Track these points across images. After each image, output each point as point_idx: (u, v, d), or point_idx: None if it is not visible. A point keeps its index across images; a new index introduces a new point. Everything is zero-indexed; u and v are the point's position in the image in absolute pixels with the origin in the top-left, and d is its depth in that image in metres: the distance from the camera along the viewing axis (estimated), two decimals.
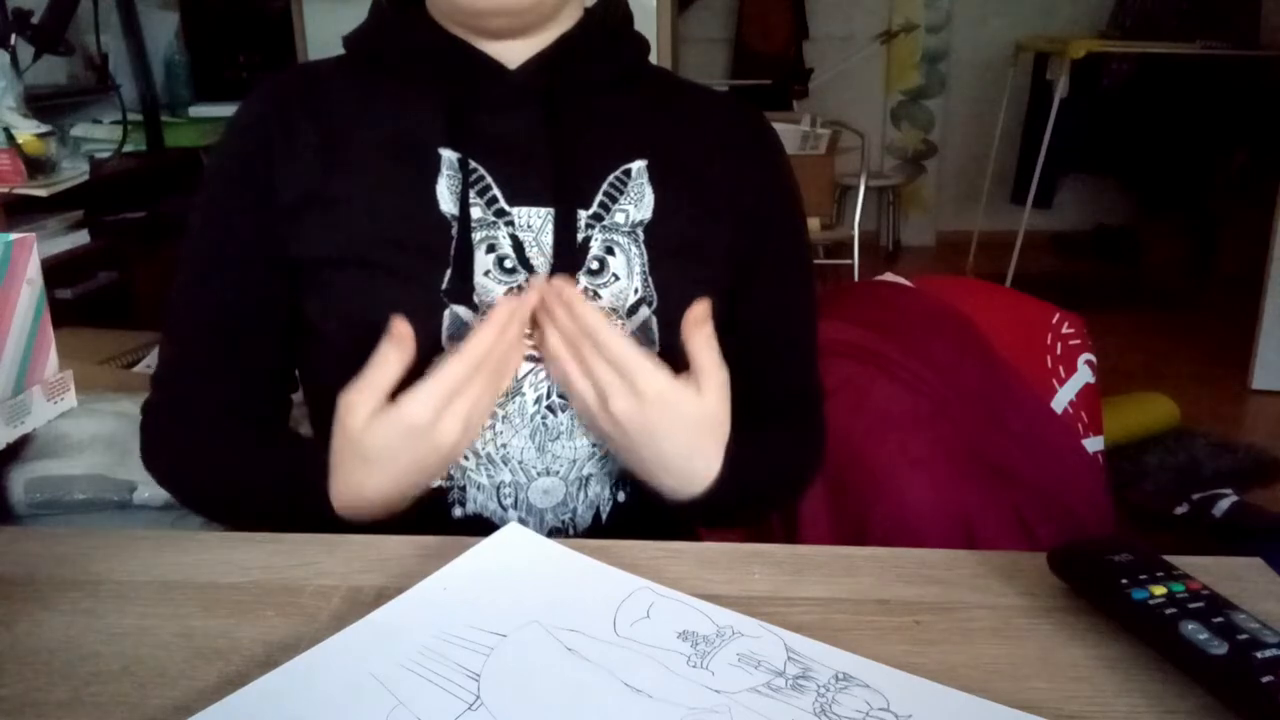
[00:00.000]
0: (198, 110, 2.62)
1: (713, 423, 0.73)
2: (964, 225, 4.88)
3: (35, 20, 1.99)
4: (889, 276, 1.46)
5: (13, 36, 1.96)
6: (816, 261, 4.25)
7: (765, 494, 0.87)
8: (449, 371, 0.67)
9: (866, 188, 3.76)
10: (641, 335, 0.77)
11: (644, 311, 0.77)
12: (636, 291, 0.77)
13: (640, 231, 0.78)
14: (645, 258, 0.78)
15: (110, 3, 2.34)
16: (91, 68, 2.53)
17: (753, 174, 0.84)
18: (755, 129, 0.86)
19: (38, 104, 2.11)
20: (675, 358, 0.75)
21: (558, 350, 0.71)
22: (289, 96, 0.80)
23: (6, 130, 1.93)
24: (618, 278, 0.77)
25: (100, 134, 2.39)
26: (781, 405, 0.87)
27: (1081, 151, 4.42)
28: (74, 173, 2.05)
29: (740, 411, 0.75)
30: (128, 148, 2.31)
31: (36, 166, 1.97)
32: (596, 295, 0.76)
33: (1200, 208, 4.54)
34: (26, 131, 1.95)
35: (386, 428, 0.67)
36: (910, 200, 5.28)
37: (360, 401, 0.67)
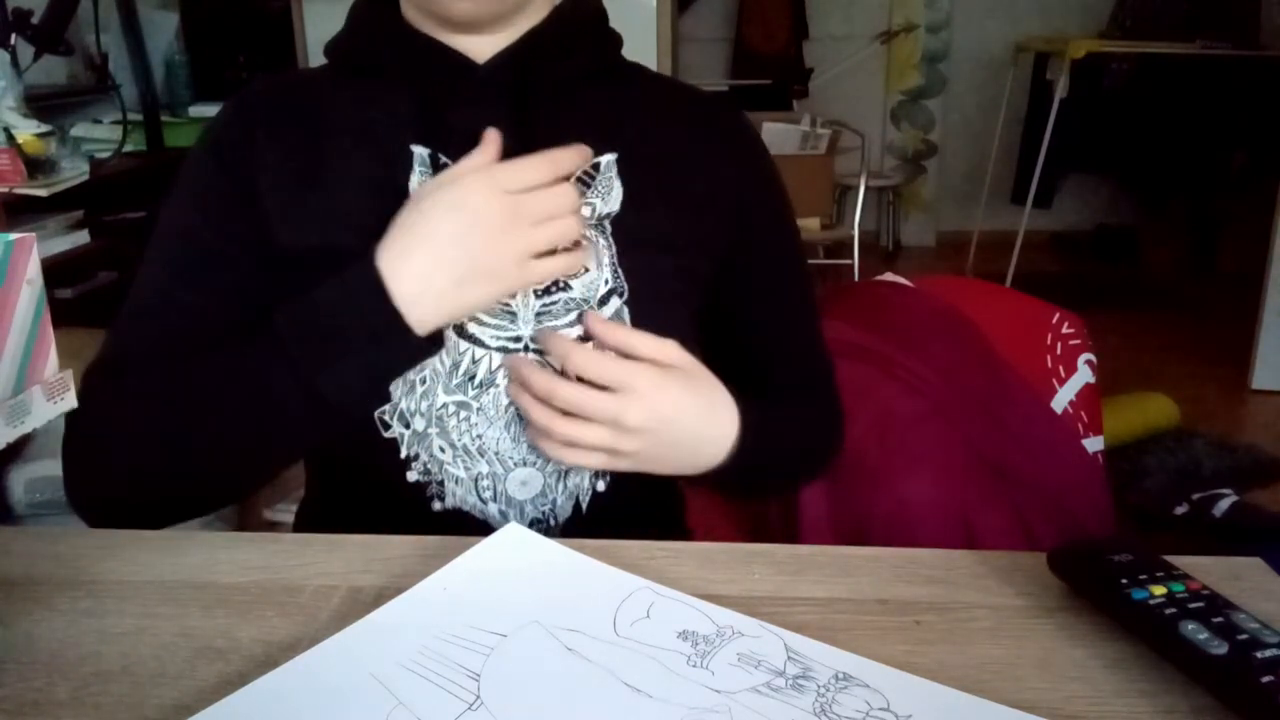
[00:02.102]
0: (198, 110, 2.62)
1: (700, 374, 0.76)
2: (964, 225, 4.88)
3: (35, 20, 1.99)
4: (889, 276, 1.46)
5: (13, 36, 1.96)
6: (817, 261, 4.27)
7: (789, 457, 0.89)
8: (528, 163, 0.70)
9: (866, 188, 3.76)
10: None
11: (615, 302, 0.78)
12: (607, 282, 0.78)
13: (608, 224, 0.79)
14: (614, 249, 0.79)
15: (110, 3, 2.34)
16: (91, 68, 2.52)
17: (730, 167, 0.85)
18: (731, 123, 0.87)
19: (38, 104, 2.11)
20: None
21: (545, 420, 0.71)
22: (267, 102, 0.82)
23: (6, 130, 1.93)
24: (587, 269, 0.78)
25: (100, 134, 2.39)
26: (793, 390, 0.89)
27: (1081, 151, 4.42)
28: (74, 173, 2.05)
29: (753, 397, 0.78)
30: (128, 148, 2.31)
31: (36, 166, 1.96)
32: (568, 286, 0.77)
33: (1200, 208, 4.54)
34: (26, 131, 1.95)
35: (439, 177, 0.71)
36: (910, 200, 5.28)
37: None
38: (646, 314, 0.78)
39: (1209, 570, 0.62)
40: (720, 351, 0.89)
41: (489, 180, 0.69)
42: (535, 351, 0.76)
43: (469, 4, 0.76)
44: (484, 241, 0.69)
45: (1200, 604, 0.55)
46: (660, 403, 0.71)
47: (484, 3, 0.76)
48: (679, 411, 0.73)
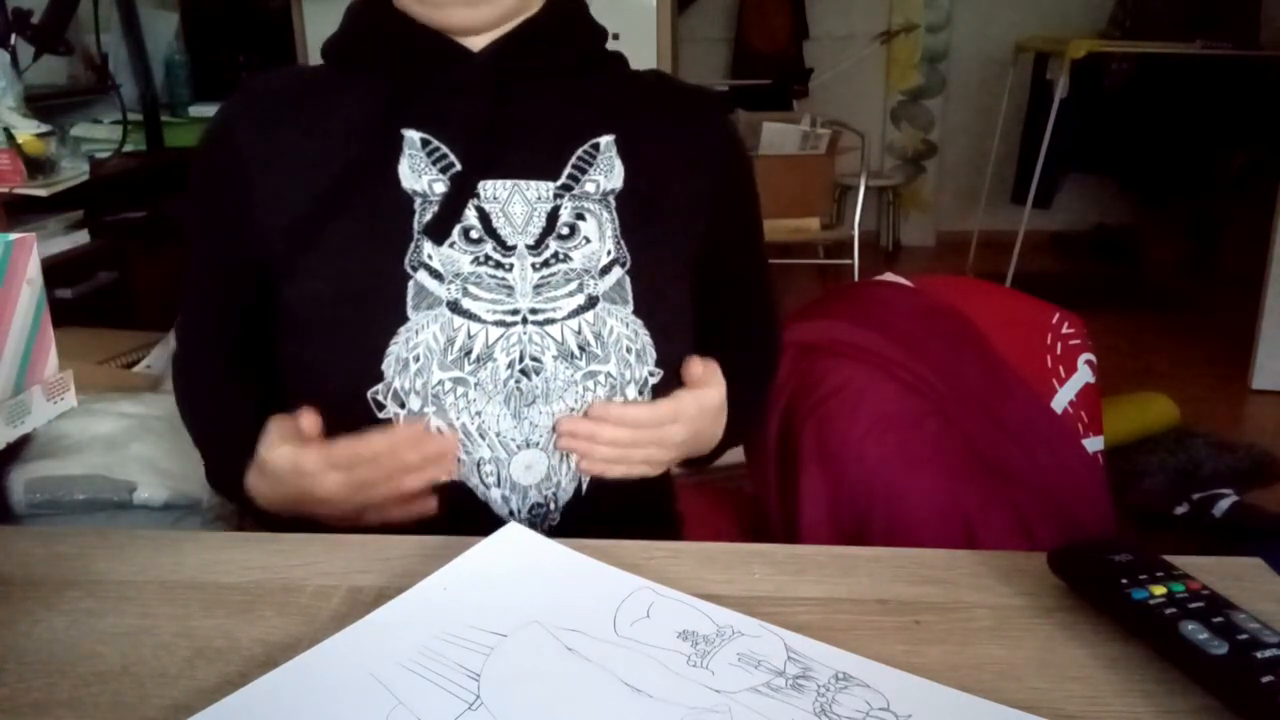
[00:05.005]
0: (198, 110, 2.62)
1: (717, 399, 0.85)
2: (964, 225, 4.87)
3: (35, 20, 1.99)
4: (889, 276, 1.45)
5: (13, 36, 1.96)
6: (817, 261, 4.26)
7: (754, 409, 1.03)
8: (345, 449, 0.73)
9: (866, 188, 3.75)
10: (616, 294, 0.79)
11: (617, 272, 0.80)
12: (609, 253, 0.80)
13: (612, 199, 0.81)
14: (617, 222, 0.81)
15: (110, 3, 2.34)
16: (91, 68, 2.52)
17: (710, 146, 0.88)
18: (706, 105, 0.92)
19: (38, 104, 2.10)
20: (648, 314, 0.80)
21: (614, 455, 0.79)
22: (261, 96, 0.84)
23: (6, 130, 1.93)
24: (589, 240, 0.79)
25: (100, 134, 2.39)
26: (750, 325, 0.97)
27: (1081, 151, 4.41)
28: (74, 173, 2.05)
29: (718, 333, 0.88)
30: (128, 148, 2.31)
31: (36, 166, 1.96)
32: (568, 258, 0.78)
33: (1200, 208, 4.54)
34: (26, 131, 1.94)
35: (282, 458, 0.75)
36: (910, 200, 5.27)
37: (277, 430, 0.77)
38: (648, 283, 0.80)
39: (1209, 570, 0.62)
40: (699, 301, 0.92)
41: (285, 460, 0.76)
42: (534, 324, 0.77)
43: (467, 12, 0.79)
44: (290, 499, 0.78)
45: (1200, 604, 0.55)
46: (690, 426, 0.82)
47: (482, 13, 0.79)
48: (698, 428, 0.83)
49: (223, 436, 0.87)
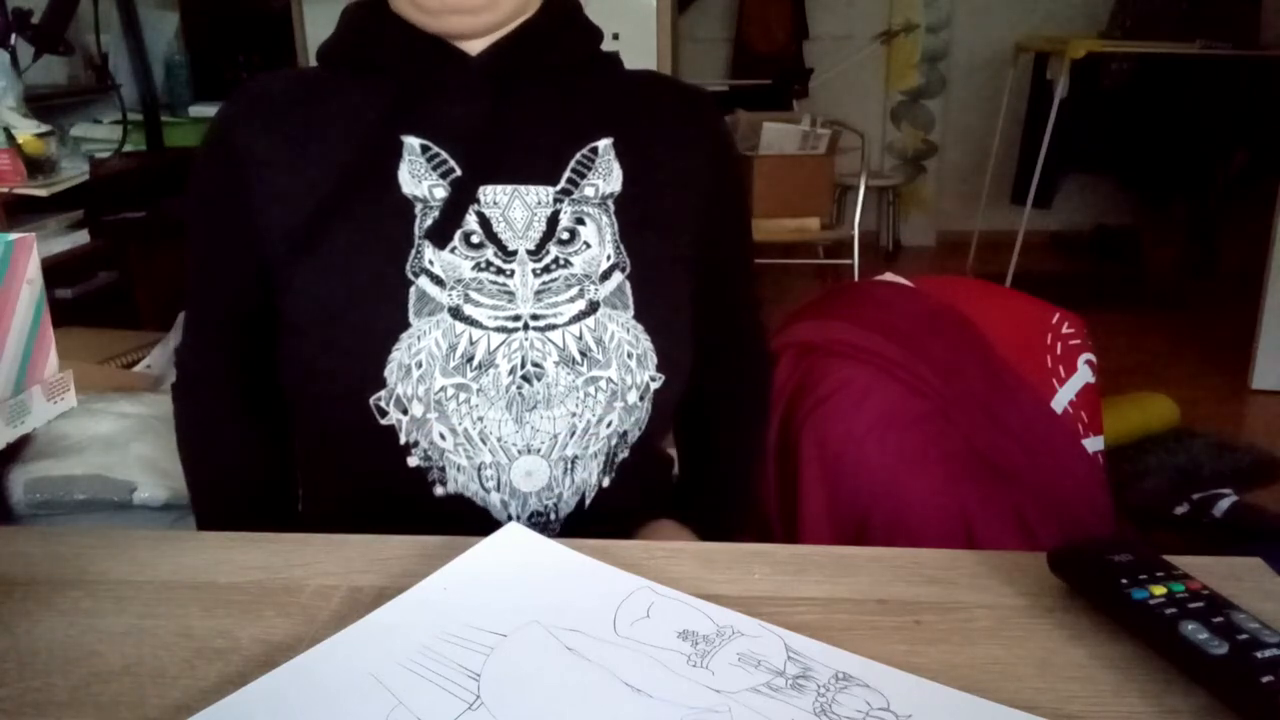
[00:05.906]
0: (198, 110, 2.62)
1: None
2: (964, 225, 4.87)
3: (35, 20, 1.99)
4: (889, 276, 1.46)
5: (13, 36, 1.96)
6: (816, 261, 4.27)
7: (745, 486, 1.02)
8: None
9: (866, 188, 3.75)
10: (617, 299, 0.79)
11: (618, 276, 0.80)
12: (609, 258, 0.80)
13: (611, 203, 0.81)
14: (616, 226, 0.81)
15: (110, 3, 2.34)
16: (91, 68, 2.52)
17: (705, 149, 0.88)
18: (701, 106, 0.91)
19: (38, 104, 2.10)
20: (648, 319, 0.79)
21: None
22: (260, 97, 0.84)
23: (6, 130, 1.93)
24: (589, 245, 0.79)
25: (100, 134, 2.39)
26: (732, 340, 0.96)
27: (1081, 151, 4.41)
28: (74, 173, 2.05)
29: (702, 341, 0.86)
30: (128, 148, 2.31)
31: (36, 166, 1.96)
32: (568, 263, 0.78)
33: (1201, 207, 4.54)
34: (26, 131, 1.94)
35: None
36: (910, 200, 5.28)
37: None
38: (648, 288, 0.80)
39: (1209, 570, 0.62)
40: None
41: None
42: (535, 329, 0.77)
43: (468, 20, 0.79)
44: None
45: (1200, 604, 0.55)
46: None
47: (482, 20, 0.79)
48: None
49: (223, 487, 0.90)
